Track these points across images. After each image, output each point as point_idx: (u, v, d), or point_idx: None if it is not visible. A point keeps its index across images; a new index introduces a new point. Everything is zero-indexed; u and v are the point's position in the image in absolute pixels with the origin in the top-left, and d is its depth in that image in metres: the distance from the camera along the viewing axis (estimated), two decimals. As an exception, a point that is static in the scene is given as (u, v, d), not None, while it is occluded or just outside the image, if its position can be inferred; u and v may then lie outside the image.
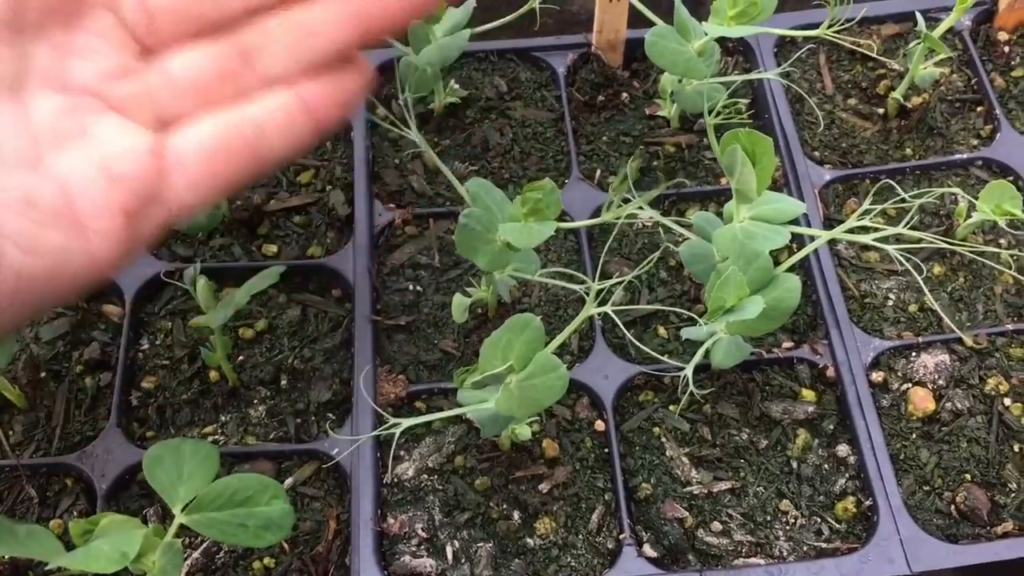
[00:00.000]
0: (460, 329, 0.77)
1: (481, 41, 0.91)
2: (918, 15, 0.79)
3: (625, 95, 0.89)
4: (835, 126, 0.86)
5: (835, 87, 0.89)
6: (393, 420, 0.59)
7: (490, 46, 0.91)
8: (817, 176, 0.83)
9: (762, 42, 0.90)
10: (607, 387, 0.74)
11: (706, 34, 0.73)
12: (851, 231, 0.65)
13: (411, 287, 0.79)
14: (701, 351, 0.67)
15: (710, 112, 0.85)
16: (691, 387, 0.65)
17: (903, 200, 0.82)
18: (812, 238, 0.75)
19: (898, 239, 0.80)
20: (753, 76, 0.79)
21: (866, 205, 0.63)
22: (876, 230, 0.64)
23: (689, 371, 0.65)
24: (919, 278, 0.67)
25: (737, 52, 0.91)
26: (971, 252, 0.75)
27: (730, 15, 0.70)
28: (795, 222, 0.65)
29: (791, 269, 0.79)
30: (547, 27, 1.00)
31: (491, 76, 0.90)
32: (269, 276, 0.66)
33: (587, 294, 0.58)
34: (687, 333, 0.68)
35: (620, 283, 0.61)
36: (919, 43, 0.80)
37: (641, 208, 0.66)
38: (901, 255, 0.63)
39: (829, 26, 0.90)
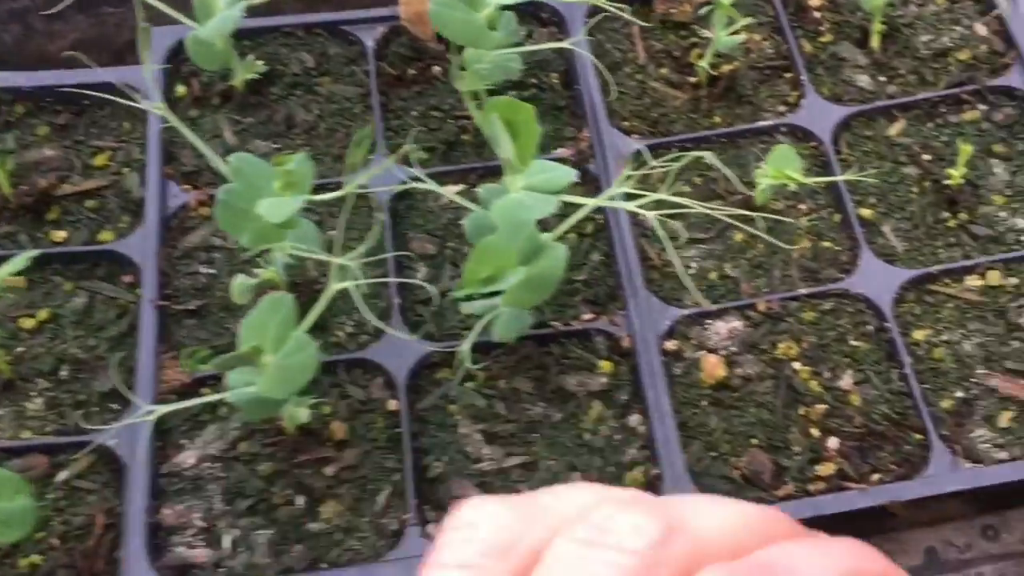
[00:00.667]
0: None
1: (288, 15, 0.89)
2: (707, -22, 0.78)
3: (437, 68, 0.88)
4: (646, 95, 0.86)
5: (648, 56, 0.88)
6: (147, 407, 0.57)
7: (297, 20, 0.88)
8: (624, 146, 0.82)
9: (574, 12, 0.89)
10: (400, 365, 0.72)
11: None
12: (628, 197, 0.64)
13: (204, 270, 0.77)
14: (479, 325, 0.66)
15: (512, 84, 0.85)
16: (467, 363, 0.64)
17: (707, 169, 0.82)
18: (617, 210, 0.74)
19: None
20: (551, 45, 0.78)
21: (626, 172, 0.62)
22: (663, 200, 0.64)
23: (466, 346, 0.64)
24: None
25: (551, 23, 0.90)
26: (765, 218, 0.74)
27: (505, -17, 0.69)
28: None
29: (589, 236, 0.78)
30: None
31: (298, 51, 0.88)
32: (14, 264, 0.63)
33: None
34: (465, 308, 0.67)
35: (367, 260, 0.60)
36: (718, 9, 0.79)
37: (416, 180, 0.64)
38: (705, 221, 0.62)
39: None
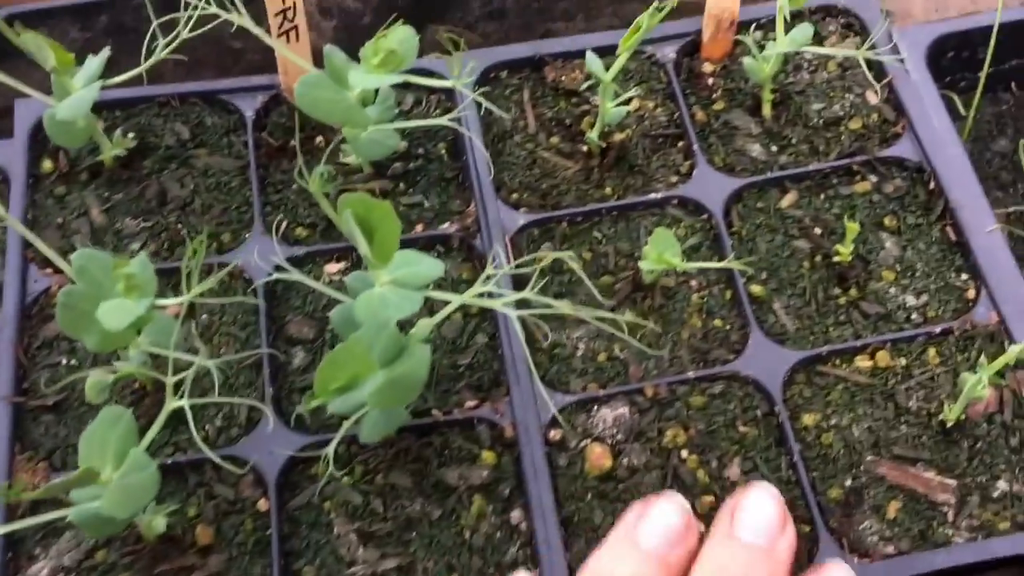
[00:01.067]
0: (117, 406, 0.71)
1: (162, 85, 0.85)
2: (589, 54, 0.76)
3: (320, 139, 0.84)
4: (536, 166, 0.83)
5: (538, 124, 0.86)
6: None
7: (172, 89, 0.84)
8: (511, 221, 0.79)
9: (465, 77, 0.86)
10: (272, 461, 0.68)
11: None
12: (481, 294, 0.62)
13: (65, 361, 0.73)
14: (347, 425, 0.63)
15: (397, 155, 0.82)
16: (331, 468, 0.60)
17: (598, 242, 0.80)
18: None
19: (592, 284, 0.78)
20: (433, 122, 0.76)
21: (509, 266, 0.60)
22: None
23: (330, 450, 0.61)
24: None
25: (440, 90, 0.87)
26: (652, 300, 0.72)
27: (374, 64, 0.66)
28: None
29: (475, 316, 0.75)
30: (249, 66, 0.96)
31: (173, 122, 0.84)
32: None
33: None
34: (332, 407, 0.63)
35: (197, 374, 0.56)
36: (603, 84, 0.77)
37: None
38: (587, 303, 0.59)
39: (537, 61, 0.88)
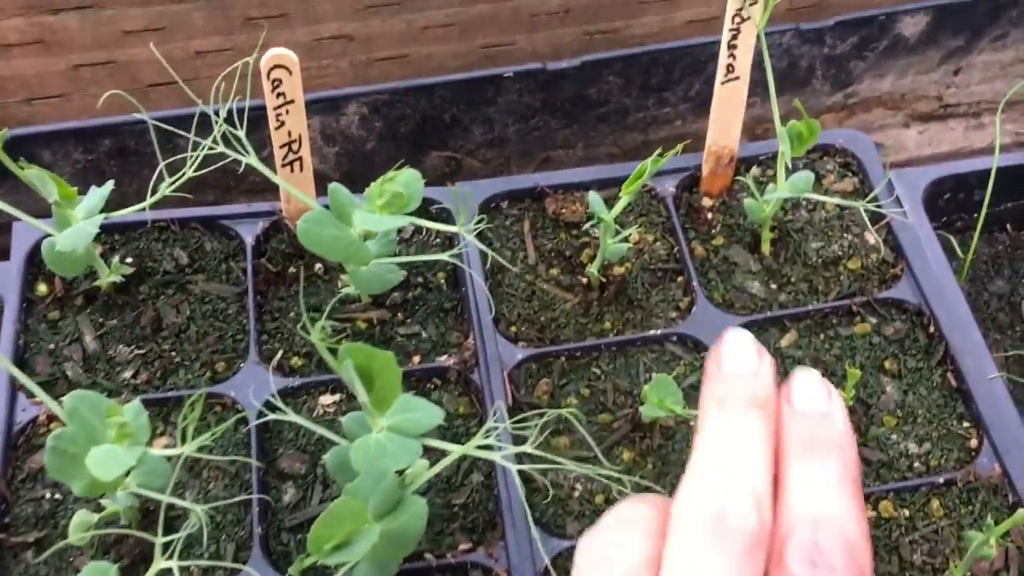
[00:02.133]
0: (100, 545, 0.69)
1: (162, 209, 0.85)
2: (592, 195, 0.77)
3: (319, 266, 0.84)
4: (535, 298, 0.83)
5: (538, 256, 0.86)
6: None
7: (172, 214, 0.84)
8: (509, 355, 0.79)
9: (464, 208, 0.86)
10: (259, 607, 0.66)
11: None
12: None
13: (49, 495, 0.71)
14: (339, 574, 0.61)
15: (397, 285, 0.81)
16: (321, 621, 0.58)
17: (597, 379, 0.79)
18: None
19: (590, 422, 0.77)
20: (435, 257, 0.76)
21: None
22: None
23: (321, 602, 0.59)
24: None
25: (440, 219, 0.87)
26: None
27: (379, 205, 0.66)
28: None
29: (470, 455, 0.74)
30: (251, 187, 0.96)
31: (172, 247, 0.84)
32: None
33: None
34: (324, 560, 0.62)
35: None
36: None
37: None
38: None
39: (538, 192, 0.88)
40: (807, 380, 0.49)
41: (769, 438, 0.49)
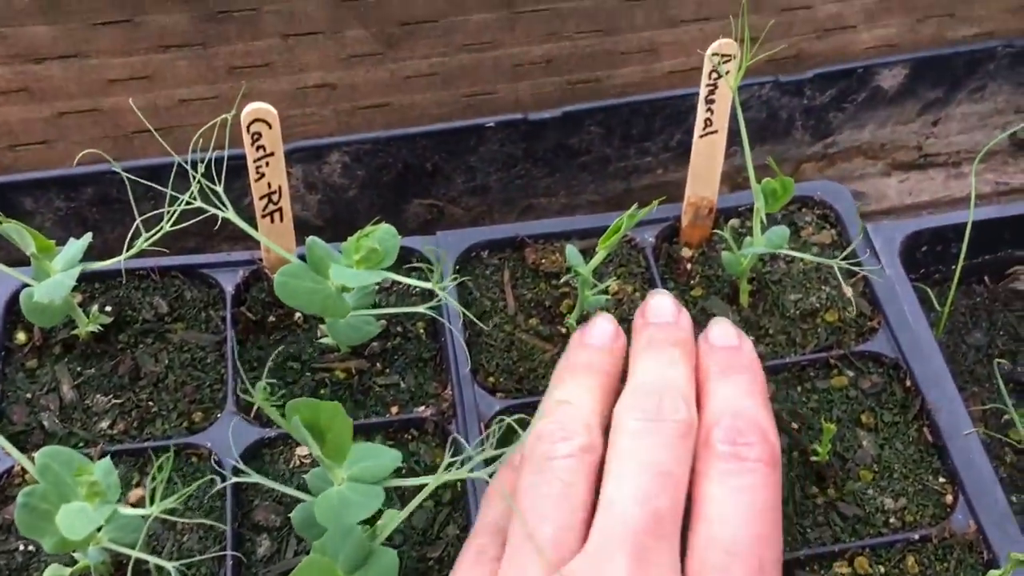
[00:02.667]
0: (72, 597, 0.68)
1: (142, 258, 0.85)
2: (569, 248, 0.77)
3: (298, 315, 0.84)
4: (514, 348, 0.83)
5: (517, 306, 0.86)
6: None
7: (152, 263, 0.85)
8: (487, 406, 0.79)
9: (445, 260, 0.87)
10: (230, 663, 0.66)
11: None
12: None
13: (22, 547, 0.70)
14: (310, 634, 0.61)
15: (367, 342, 0.82)
16: None
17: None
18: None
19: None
20: (409, 310, 0.76)
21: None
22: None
23: (291, 661, 0.59)
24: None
25: (421, 269, 0.87)
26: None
27: (356, 259, 0.67)
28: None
29: (446, 506, 0.74)
30: (233, 233, 0.96)
31: (151, 295, 0.84)
32: None
33: None
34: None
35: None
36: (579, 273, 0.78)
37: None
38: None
39: (519, 242, 0.89)
40: (722, 323, 0.66)
41: (690, 365, 0.63)
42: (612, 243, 0.73)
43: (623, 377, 0.65)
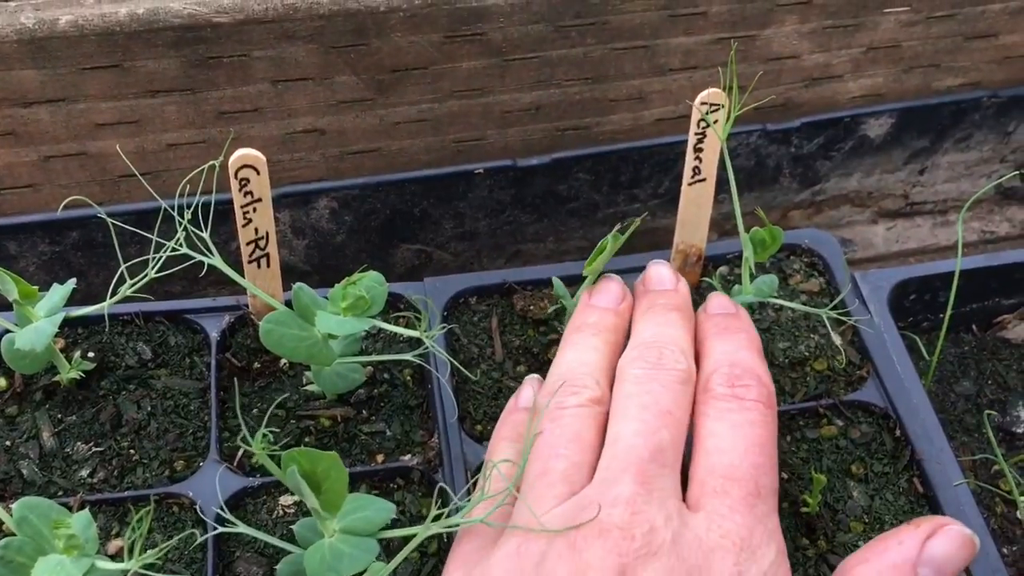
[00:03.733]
0: (47, 651, 0.66)
1: (126, 303, 0.84)
2: (556, 280, 0.77)
3: (284, 362, 0.83)
4: (502, 396, 0.82)
5: (505, 353, 0.86)
6: None
7: (136, 308, 0.84)
8: (474, 455, 0.78)
9: (433, 307, 0.86)
10: None
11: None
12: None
13: (-3, 599, 0.69)
14: None
15: (352, 389, 0.81)
16: None
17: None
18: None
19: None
20: (396, 358, 0.75)
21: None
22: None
23: None
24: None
25: (408, 315, 0.87)
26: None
27: (342, 307, 0.66)
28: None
29: (433, 555, 0.73)
30: (219, 278, 0.96)
31: (135, 341, 0.83)
32: None
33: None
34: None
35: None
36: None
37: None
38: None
39: (507, 289, 0.88)
40: (719, 296, 0.71)
41: (689, 327, 0.68)
42: (597, 267, 0.73)
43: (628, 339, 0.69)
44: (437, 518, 0.58)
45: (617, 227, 0.75)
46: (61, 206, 0.66)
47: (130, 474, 0.76)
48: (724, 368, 0.64)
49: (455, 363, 0.68)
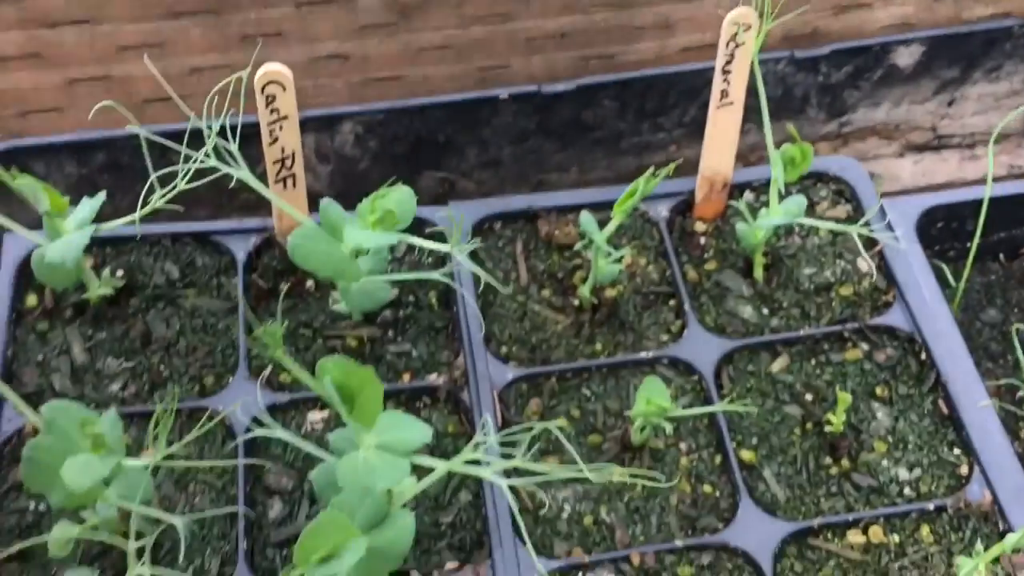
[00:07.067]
0: (84, 557, 0.68)
1: (155, 224, 0.85)
2: (584, 215, 0.77)
3: (310, 283, 0.84)
4: (527, 319, 0.83)
5: (530, 277, 0.86)
6: None
7: (164, 229, 0.84)
8: (500, 375, 0.78)
9: (459, 226, 0.86)
10: (241, 624, 0.66)
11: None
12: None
13: (33, 506, 0.70)
14: (323, 592, 0.60)
15: (388, 302, 0.81)
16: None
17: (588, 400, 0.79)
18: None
19: (579, 442, 0.76)
20: (426, 275, 0.75)
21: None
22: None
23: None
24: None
25: (433, 238, 0.87)
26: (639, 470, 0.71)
27: (371, 221, 0.66)
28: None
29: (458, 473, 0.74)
30: (245, 203, 0.96)
31: (163, 261, 0.84)
32: None
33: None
34: (310, 573, 0.61)
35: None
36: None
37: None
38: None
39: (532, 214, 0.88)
40: None
41: None
42: (627, 208, 0.72)
43: None
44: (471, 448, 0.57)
45: (651, 170, 0.74)
46: (91, 114, 0.66)
47: (160, 389, 0.77)
48: None
49: (484, 274, 0.68)
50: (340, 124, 0.95)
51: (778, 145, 0.78)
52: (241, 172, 0.65)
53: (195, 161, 0.63)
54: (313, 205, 0.77)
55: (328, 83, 0.98)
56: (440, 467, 0.58)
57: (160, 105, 0.93)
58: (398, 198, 0.66)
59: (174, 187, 0.65)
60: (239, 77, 0.65)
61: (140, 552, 0.51)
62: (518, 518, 0.56)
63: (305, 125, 0.89)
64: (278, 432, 0.61)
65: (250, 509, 0.70)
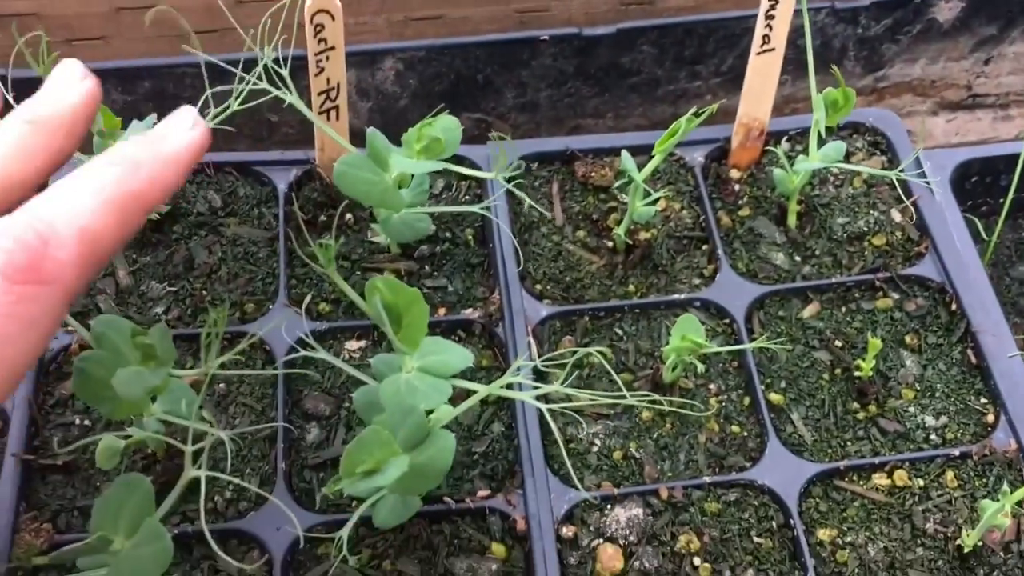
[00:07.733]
0: (127, 471, 0.70)
1: (198, 152, 0.86)
2: (624, 154, 0.77)
3: (349, 216, 0.85)
4: (561, 258, 0.84)
5: (565, 218, 0.87)
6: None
7: (207, 158, 0.85)
8: (534, 311, 0.80)
9: (499, 157, 0.87)
10: (280, 539, 0.68)
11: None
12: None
13: (78, 421, 0.72)
14: (362, 508, 0.62)
15: (425, 238, 0.82)
16: (344, 552, 0.59)
17: (620, 339, 0.80)
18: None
19: (611, 380, 0.78)
20: (462, 209, 0.77)
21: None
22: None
23: (345, 533, 0.60)
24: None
25: (471, 176, 0.88)
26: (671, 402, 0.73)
27: (416, 149, 0.67)
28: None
29: (492, 404, 0.75)
30: (284, 139, 0.97)
31: (206, 190, 0.85)
32: None
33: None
34: (351, 490, 0.63)
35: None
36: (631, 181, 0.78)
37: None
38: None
39: (568, 155, 0.89)
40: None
41: None
42: (668, 147, 0.73)
43: None
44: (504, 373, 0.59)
45: (693, 110, 0.75)
46: (146, 22, 0.66)
47: (203, 313, 0.78)
48: None
49: (527, 198, 0.69)
50: (382, 60, 0.95)
51: (830, 80, 0.78)
52: (291, 97, 0.66)
53: (247, 83, 0.64)
54: (354, 140, 0.78)
55: (369, 20, 0.98)
56: (481, 390, 0.59)
57: (205, 37, 0.94)
58: (444, 126, 0.67)
59: (227, 107, 0.66)
60: (288, 4, 0.66)
61: (195, 456, 0.53)
62: (559, 439, 0.57)
63: (348, 60, 0.89)
64: (320, 352, 0.63)
65: (291, 427, 0.72)
